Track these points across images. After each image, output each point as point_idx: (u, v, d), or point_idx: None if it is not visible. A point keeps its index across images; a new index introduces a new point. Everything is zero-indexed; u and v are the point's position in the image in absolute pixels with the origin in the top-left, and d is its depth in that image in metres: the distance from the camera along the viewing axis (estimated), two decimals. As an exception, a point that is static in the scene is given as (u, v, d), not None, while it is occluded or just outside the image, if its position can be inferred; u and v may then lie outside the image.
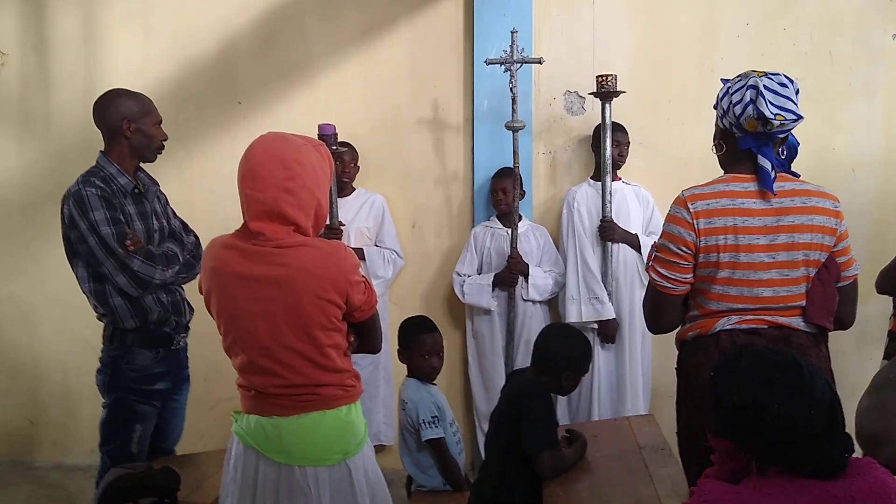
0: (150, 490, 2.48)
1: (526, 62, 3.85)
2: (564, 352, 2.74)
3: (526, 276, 4.01)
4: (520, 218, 4.04)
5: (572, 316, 3.98)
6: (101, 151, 2.96)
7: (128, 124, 2.91)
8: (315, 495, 2.05)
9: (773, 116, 2.12)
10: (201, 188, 4.31)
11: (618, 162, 4.01)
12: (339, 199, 4.02)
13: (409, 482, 3.28)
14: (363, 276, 2.15)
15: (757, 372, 1.58)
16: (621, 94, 3.89)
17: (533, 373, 2.79)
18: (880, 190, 4.21)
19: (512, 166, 3.93)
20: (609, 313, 3.97)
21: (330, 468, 2.08)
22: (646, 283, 2.43)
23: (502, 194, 4.01)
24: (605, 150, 3.91)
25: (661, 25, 4.23)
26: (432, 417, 3.08)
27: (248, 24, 4.39)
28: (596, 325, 4.02)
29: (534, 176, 4.28)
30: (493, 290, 4.04)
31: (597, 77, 3.88)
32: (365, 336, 2.23)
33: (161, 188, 3.17)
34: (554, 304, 4.14)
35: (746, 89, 2.17)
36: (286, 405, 2.09)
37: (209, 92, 4.43)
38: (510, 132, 3.87)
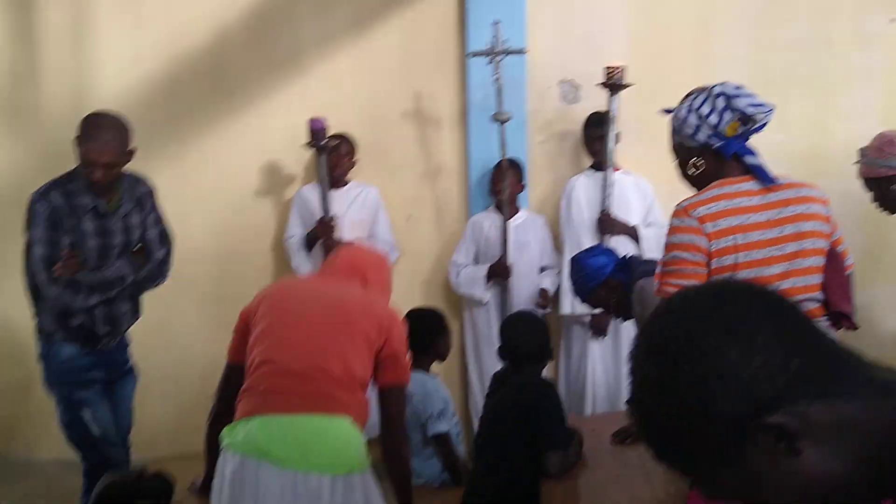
0: (143, 494, 2.46)
1: (509, 53, 3.81)
2: (542, 339, 2.91)
3: None
4: (517, 210, 4.01)
5: (565, 308, 3.97)
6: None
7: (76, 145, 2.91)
8: None
9: (753, 113, 2.12)
10: (193, 181, 4.27)
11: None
12: (332, 192, 4.00)
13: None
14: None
15: None
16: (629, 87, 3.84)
17: (527, 371, 2.80)
18: (877, 176, 4.18)
19: (513, 157, 3.92)
20: None
21: (333, 478, 2.06)
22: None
23: (501, 184, 3.98)
24: (609, 143, 3.87)
25: (657, 12, 4.19)
26: (440, 410, 3.09)
27: (239, 16, 4.32)
28: (588, 318, 4.00)
29: (529, 166, 4.25)
30: (487, 281, 4.02)
31: (605, 68, 3.83)
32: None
33: (152, 193, 3.17)
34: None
35: (714, 98, 2.15)
36: (295, 403, 2.13)
37: (200, 84, 4.37)
38: (505, 123, 3.84)
